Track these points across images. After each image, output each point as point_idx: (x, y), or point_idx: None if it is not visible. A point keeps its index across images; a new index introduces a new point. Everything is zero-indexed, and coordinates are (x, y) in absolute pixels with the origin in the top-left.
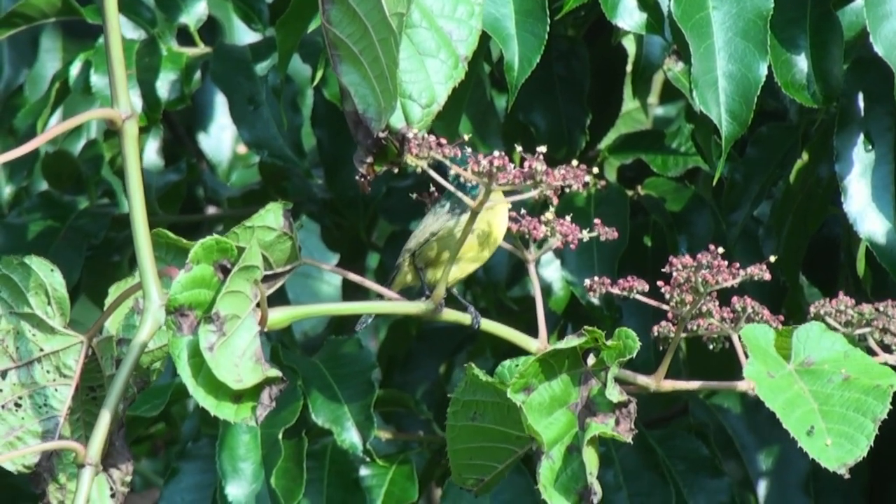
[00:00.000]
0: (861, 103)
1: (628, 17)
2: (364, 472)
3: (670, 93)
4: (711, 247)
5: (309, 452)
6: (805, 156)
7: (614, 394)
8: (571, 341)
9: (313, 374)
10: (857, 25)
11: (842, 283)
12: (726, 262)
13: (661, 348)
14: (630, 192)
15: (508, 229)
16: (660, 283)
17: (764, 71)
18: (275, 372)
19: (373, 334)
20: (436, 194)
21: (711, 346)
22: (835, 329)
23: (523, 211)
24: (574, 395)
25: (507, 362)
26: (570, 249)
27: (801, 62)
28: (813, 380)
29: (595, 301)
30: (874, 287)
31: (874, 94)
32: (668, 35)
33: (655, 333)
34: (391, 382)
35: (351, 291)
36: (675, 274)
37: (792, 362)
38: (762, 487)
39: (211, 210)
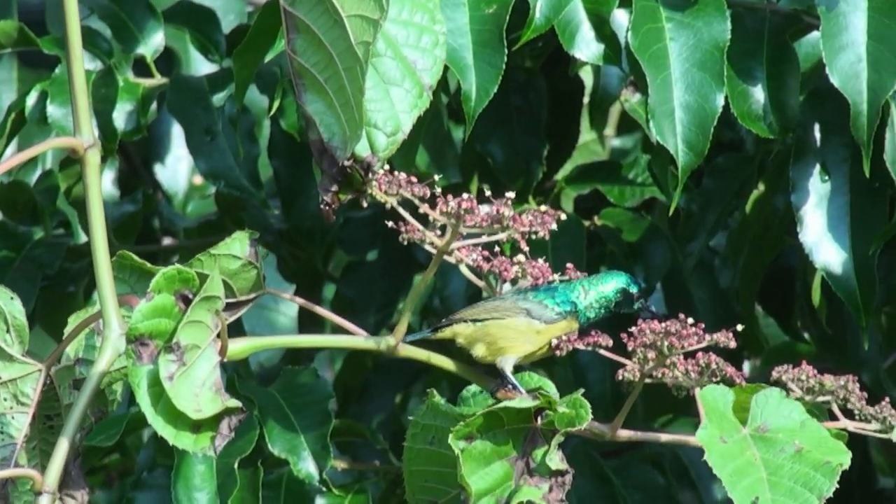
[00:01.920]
0: (817, 134)
1: (585, 48)
2: (320, 501)
3: (627, 124)
4: (682, 316)
5: (265, 482)
6: (761, 186)
7: (555, 461)
8: (524, 402)
9: (269, 404)
10: (814, 57)
11: (797, 314)
12: (692, 327)
13: (623, 389)
14: (587, 223)
15: (480, 266)
16: (623, 336)
17: (721, 102)
18: (234, 402)
19: (329, 365)
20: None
21: (675, 393)
22: (794, 392)
23: (497, 249)
24: (516, 450)
25: (471, 388)
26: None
27: (758, 93)
28: (766, 448)
29: (560, 353)
30: (829, 317)
31: (830, 125)
32: (625, 66)
33: (620, 377)
34: (347, 413)
35: (307, 323)
36: (641, 339)
37: (748, 427)
38: None
39: (167, 241)
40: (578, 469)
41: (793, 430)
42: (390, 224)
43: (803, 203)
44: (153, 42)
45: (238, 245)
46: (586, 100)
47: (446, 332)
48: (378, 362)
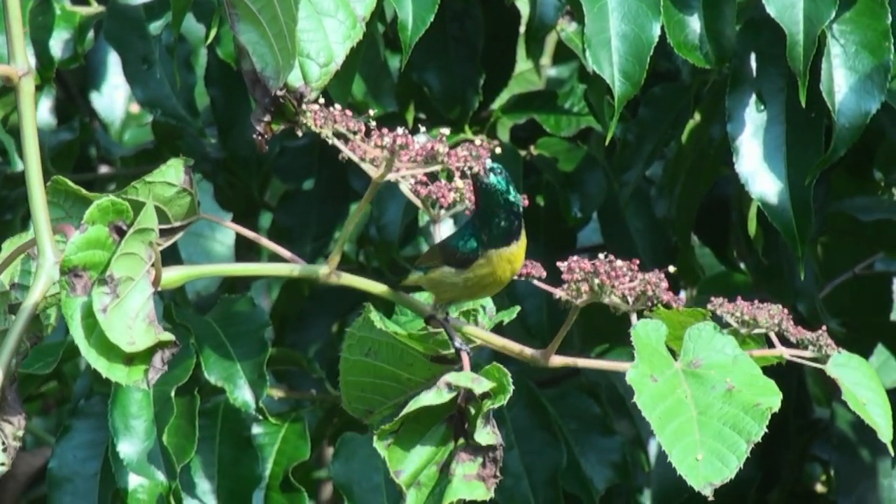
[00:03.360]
0: (753, 64)
1: None
2: (256, 430)
3: (563, 53)
4: (611, 256)
5: (201, 410)
6: (697, 116)
7: (484, 435)
8: (443, 397)
9: (206, 333)
10: None
11: (733, 244)
12: (623, 267)
13: (561, 307)
14: (523, 152)
15: (417, 191)
16: (559, 264)
17: (657, 31)
18: (168, 335)
19: (265, 293)
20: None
21: (613, 311)
22: (730, 325)
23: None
24: (450, 410)
25: (402, 318)
26: (464, 212)
27: (694, 23)
28: (697, 384)
29: None
30: (765, 247)
31: (766, 55)
32: None
33: (557, 297)
34: (284, 341)
35: (244, 251)
36: (571, 274)
37: (680, 361)
38: (653, 446)
39: (104, 169)
40: (515, 398)
41: (725, 366)
42: (331, 142)
43: (739, 133)
44: None
45: (173, 172)
46: (522, 29)
47: (410, 279)
48: (315, 291)
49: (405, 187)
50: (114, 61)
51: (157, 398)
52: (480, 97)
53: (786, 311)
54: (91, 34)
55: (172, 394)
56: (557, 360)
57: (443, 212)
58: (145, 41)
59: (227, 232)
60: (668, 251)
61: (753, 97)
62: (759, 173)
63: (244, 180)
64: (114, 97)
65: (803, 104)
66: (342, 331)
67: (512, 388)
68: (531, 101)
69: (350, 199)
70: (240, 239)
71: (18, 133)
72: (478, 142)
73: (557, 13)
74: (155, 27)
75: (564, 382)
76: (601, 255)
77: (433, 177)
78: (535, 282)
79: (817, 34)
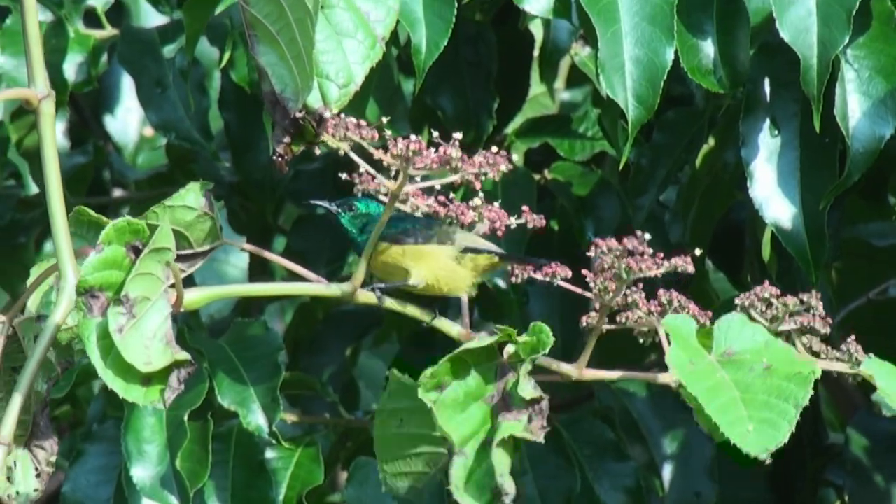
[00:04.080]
0: (767, 89)
1: (535, 2)
2: (270, 454)
3: (577, 77)
4: (639, 233)
5: (214, 434)
6: (711, 141)
7: (527, 390)
8: (484, 340)
9: (220, 357)
10: (764, 11)
11: (747, 268)
12: (651, 251)
13: (585, 331)
14: (537, 177)
15: (436, 212)
16: (584, 271)
17: (670, 56)
18: (184, 354)
19: (279, 317)
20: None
21: (641, 340)
22: (758, 321)
23: (452, 195)
24: (490, 389)
25: (429, 369)
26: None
27: (708, 47)
28: (734, 369)
29: (502, 285)
30: (779, 272)
31: (780, 80)
32: (575, 19)
33: (584, 324)
34: (297, 365)
35: (257, 274)
36: (599, 258)
37: (713, 353)
38: (667, 471)
39: (118, 192)
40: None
41: (758, 350)
42: (344, 176)
43: (753, 158)
44: None
45: (192, 196)
46: (536, 53)
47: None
48: (328, 315)
49: (421, 215)
50: (127, 84)
51: (170, 422)
52: (494, 121)
53: (816, 293)
54: (105, 57)
55: (185, 418)
56: (589, 374)
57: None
58: (159, 64)
59: (240, 256)
60: (683, 276)
61: (767, 122)
62: (773, 198)
63: (258, 204)
64: (127, 120)
65: (817, 129)
66: (356, 355)
67: (552, 340)
68: (545, 125)
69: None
70: (254, 262)
71: (33, 156)
72: (494, 149)
73: (571, 37)
74: (169, 50)
75: (578, 407)
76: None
77: (450, 200)
78: (560, 282)
79: (831, 59)
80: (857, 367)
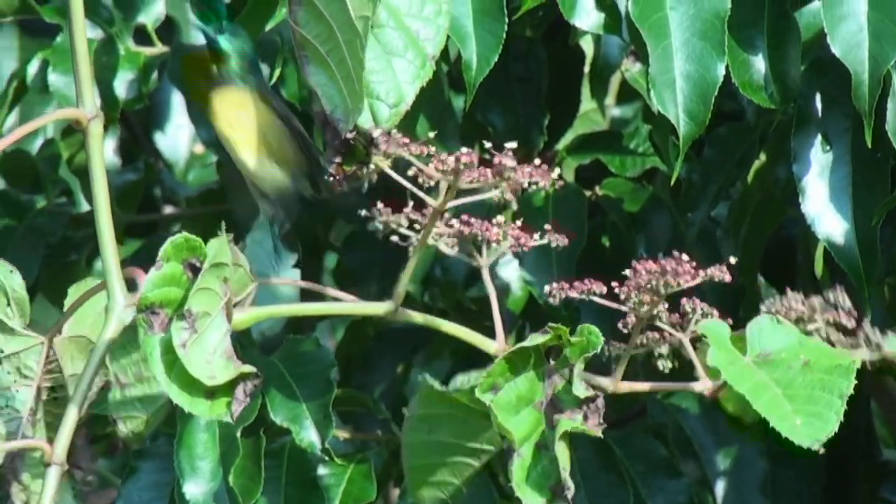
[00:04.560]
0: (818, 104)
1: (586, 18)
2: (322, 471)
3: (628, 93)
4: (675, 253)
5: (267, 451)
6: (763, 157)
7: (580, 389)
8: (536, 339)
9: (272, 373)
10: (815, 27)
11: (799, 284)
12: (687, 264)
13: (612, 354)
14: (588, 193)
15: (461, 231)
16: (615, 283)
17: (721, 71)
18: (249, 367)
19: (330, 334)
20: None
21: (661, 367)
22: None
23: (473, 219)
24: (539, 393)
25: (459, 378)
26: (529, 251)
27: (759, 63)
28: (773, 369)
29: (553, 301)
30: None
31: (832, 95)
32: (625, 35)
33: (611, 347)
34: (349, 382)
35: (309, 291)
36: (636, 279)
37: (748, 355)
38: (720, 488)
39: (168, 209)
40: (580, 441)
41: (793, 348)
42: (371, 209)
43: (805, 173)
44: (154, 11)
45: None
46: (587, 69)
47: None
48: (380, 332)
49: (443, 245)
50: (178, 102)
51: (222, 439)
52: (545, 137)
53: (840, 286)
54: (155, 74)
55: (238, 434)
56: (624, 386)
57: (490, 256)
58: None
59: (292, 272)
60: (734, 292)
61: (819, 137)
62: (825, 214)
63: (309, 220)
64: (178, 137)
65: (869, 144)
66: (408, 372)
67: (602, 340)
68: (596, 141)
69: None
70: (304, 276)
71: (84, 173)
72: (537, 162)
73: (622, 53)
74: None
75: (630, 424)
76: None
77: (472, 219)
78: (595, 298)
79: (882, 74)
80: (878, 351)
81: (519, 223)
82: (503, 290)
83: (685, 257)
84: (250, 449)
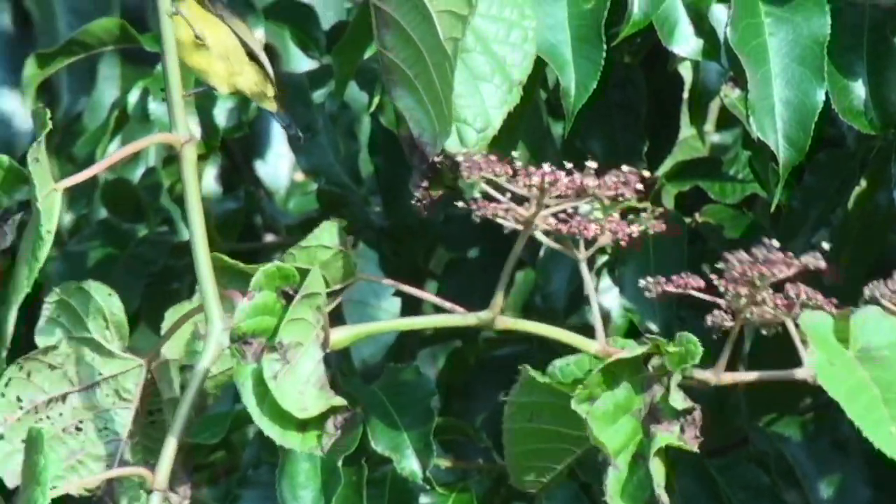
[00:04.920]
0: None
1: (685, 44)
2: (424, 500)
3: (727, 119)
4: (765, 239)
5: (369, 480)
6: (863, 182)
7: (678, 400)
8: (635, 350)
9: (373, 402)
10: None
11: None
12: (778, 251)
13: (714, 337)
14: (688, 220)
15: (558, 229)
16: (713, 276)
17: (821, 97)
18: (339, 400)
19: (431, 362)
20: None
21: (765, 332)
22: (892, 312)
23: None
24: (637, 402)
25: (558, 362)
26: (629, 278)
27: (859, 88)
28: (874, 367)
29: (654, 327)
30: None
31: None
32: (724, 61)
33: (710, 323)
34: (450, 411)
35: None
36: (730, 271)
37: (851, 349)
38: None
39: (269, 238)
40: (681, 467)
41: None
42: (460, 204)
43: None
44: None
45: (327, 235)
46: (686, 95)
47: None
48: (481, 359)
49: (540, 234)
50: (278, 130)
51: (324, 468)
52: (644, 164)
53: None
54: (255, 103)
55: (340, 463)
56: (727, 377)
57: (588, 250)
58: (309, 109)
59: (392, 301)
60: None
61: None
62: None
63: (409, 248)
64: (278, 166)
65: None
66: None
67: (701, 350)
68: (696, 168)
69: (515, 266)
70: (405, 305)
71: (184, 202)
72: (625, 168)
73: (721, 79)
74: (318, 95)
75: (732, 452)
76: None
77: (570, 216)
78: (694, 292)
79: None
80: None
81: (616, 215)
82: (604, 317)
83: (775, 243)
84: (352, 478)
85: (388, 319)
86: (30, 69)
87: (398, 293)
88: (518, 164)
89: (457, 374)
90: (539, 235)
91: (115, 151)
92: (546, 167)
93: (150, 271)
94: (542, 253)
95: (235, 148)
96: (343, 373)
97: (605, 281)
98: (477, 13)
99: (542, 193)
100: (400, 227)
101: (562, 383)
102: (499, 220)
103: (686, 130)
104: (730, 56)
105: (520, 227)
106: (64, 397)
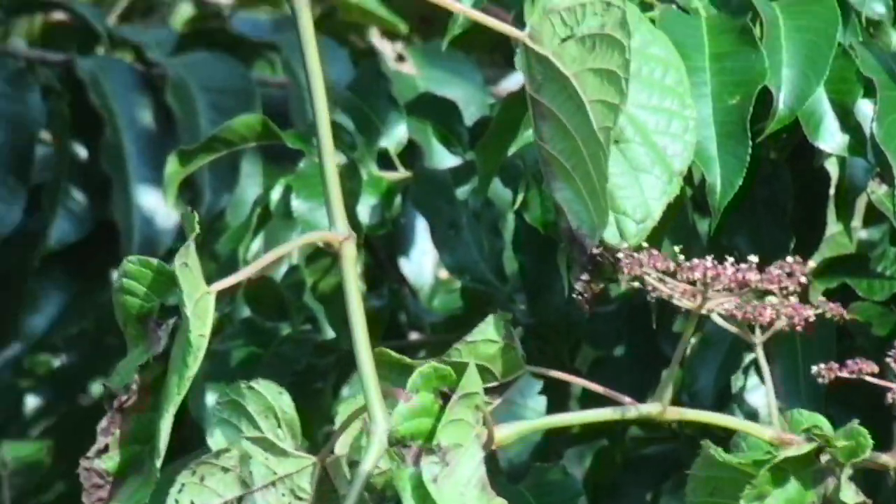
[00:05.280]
0: None
1: (831, 140)
2: None
3: (874, 215)
4: None
5: None
6: None
7: (850, 495)
8: (803, 448)
9: (519, 502)
10: None
11: None
12: None
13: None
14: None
15: (733, 315)
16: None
17: None
18: (501, 501)
19: (578, 462)
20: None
21: None
22: None
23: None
24: (810, 496)
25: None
26: (778, 377)
27: None
28: None
29: (822, 381)
30: None
31: None
32: (871, 157)
33: (890, 400)
34: None
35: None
36: None
37: None
38: None
39: (414, 336)
40: None
41: None
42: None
43: None
44: (396, 135)
45: (493, 329)
46: (832, 191)
47: None
48: (628, 458)
49: (716, 316)
50: (421, 227)
51: None
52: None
53: None
54: (399, 199)
55: None
56: None
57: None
58: (453, 206)
59: (538, 399)
60: None
61: None
62: None
63: (554, 346)
64: (423, 263)
65: None
66: (656, 500)
67: (871, 443)
68: (843, 264)
69: (661, 364)
70: (550, 402)
71: (329, 300)
72: (790, 259)
73: (868, 175)
74: (462, 192)
75: None
76: None
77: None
78: (869, 378)
79: None
80: None
81: (793, 299)
82: (751, 417)
83: None
84: None
85: (534, 418)
86: (171, 166)
87: (544, 391)
88: (681, 258)
89: (604, 473)
90: (716, 318)
91: (258, 249)
92: (708, 261)
93: (294, 370)
94: (688, 351)
95: (379, 245)
96: (489, 471)
97: (752, 379)
98: (636, 104)
99: (705, 288)
100: (545, 325)
101: (741, 461)
102: (674, 302)
103: (833, 227)
104: (876, 152)
105: (693, 306)
106: (240, 500)
